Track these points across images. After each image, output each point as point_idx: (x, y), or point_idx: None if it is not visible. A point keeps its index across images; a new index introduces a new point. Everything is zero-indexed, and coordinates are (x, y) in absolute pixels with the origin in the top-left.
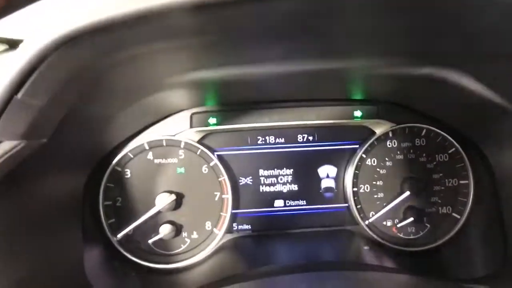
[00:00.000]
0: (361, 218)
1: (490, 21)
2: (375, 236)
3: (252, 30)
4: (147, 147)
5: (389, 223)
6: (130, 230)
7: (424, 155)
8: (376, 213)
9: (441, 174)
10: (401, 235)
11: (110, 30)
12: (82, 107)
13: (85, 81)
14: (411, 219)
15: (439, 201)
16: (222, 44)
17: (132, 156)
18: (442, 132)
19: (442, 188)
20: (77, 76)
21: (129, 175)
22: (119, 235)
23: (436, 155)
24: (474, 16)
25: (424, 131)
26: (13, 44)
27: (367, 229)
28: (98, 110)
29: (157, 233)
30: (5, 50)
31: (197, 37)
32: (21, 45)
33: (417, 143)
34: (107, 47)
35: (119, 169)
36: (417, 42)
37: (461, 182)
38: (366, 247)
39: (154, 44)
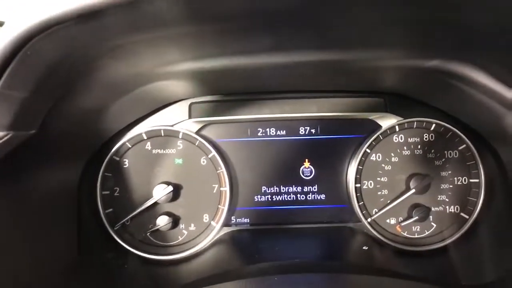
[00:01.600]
0: (363, 215)
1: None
2: (377, 235)
3: (252, 20)
4: (145, 137)
5: (392, 221)
6: (127, 220)
7: (432, 151)
8: (379, 210)
9: (449, 172)
10: (405, 234)
11: (95, 17)
12: (73, 98)
13: (71, 72)
14: (416, 217)
15: (447, 200)
16: (219, 34)
17: (130, 146)
18: (452, 128)
19: (451, 186)
20: (61, 67)
21: (127, 165)
22: (117, 226)
23: (445, 152)
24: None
25: (434, 126)
26: None
27: (369, 227)
28: (91, 101)
29: (154, 224)
30: None
31: (190, 26)
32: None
33: (426, 138)
34: (89, 36)
35: (117, 158)
36: (424, 34)
37: (472, 180)
38: (364, 247)
39: (144, 33)
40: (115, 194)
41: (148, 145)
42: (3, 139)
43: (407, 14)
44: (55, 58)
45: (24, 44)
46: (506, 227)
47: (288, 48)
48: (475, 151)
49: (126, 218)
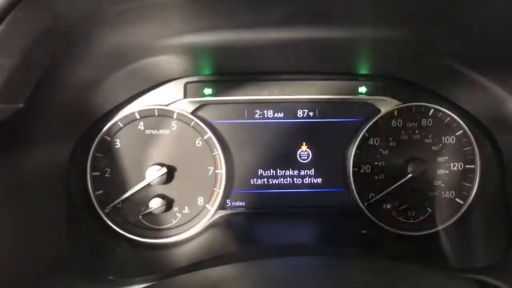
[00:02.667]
0: (360, 199)
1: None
2: (373, 219)
3: None
4: (137, 117)
5: (389, 206)
6: (118, 203)
7: (430, 136)
8: (376, 195)
9: (446, 157)
10: (401, 219)
11: None
12: (63, 70)
13: (63, 39)
14: (412, 202)
15: (443, 185)
16: (216, 3)
17: (122, 126)
18: (450, 113)
19: (447, 172)
20: (53, 33)
21: (118, 145)
22: (108, 208)
23: (443, 137)
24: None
25: (432, 111)
26: None
27: (366, 211)
28: (82, 74)
29: (147, 207)
30: None
31: None
32: None
33: (424, 123)
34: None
35: (108, 138)
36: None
37: (467, 166)
38: (363, 231)
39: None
40: (106, 175)
41: (141, 125)
42: None
43: None
44: (48, 21)
45: (13, 6)
46: (499, 213)
47: (293, 23)
48: (472, 137)
49: (118, 201)
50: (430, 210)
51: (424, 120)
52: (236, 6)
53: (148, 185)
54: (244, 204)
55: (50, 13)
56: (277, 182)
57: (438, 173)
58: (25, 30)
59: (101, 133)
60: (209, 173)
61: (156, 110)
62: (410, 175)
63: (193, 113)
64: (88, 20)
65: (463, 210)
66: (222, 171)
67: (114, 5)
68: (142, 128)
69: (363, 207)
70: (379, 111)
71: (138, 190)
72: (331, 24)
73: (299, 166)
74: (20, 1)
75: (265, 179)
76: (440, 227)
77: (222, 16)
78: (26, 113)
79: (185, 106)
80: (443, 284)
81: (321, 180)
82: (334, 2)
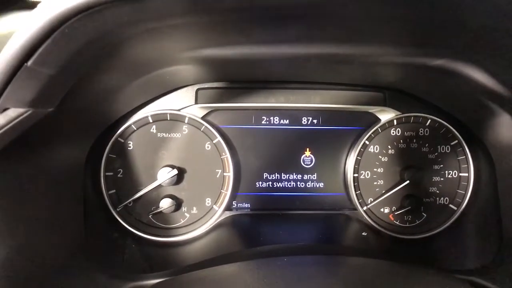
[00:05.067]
0: (360, 203)
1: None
2: (371, 222)
3: (263, 13)
4: (150, 120)
5: (386, 210)
6: (130, 202)
7: (426, 145)
8: (374, 199)
9: (441, 165)
10: (397, 223)
11: (129, 2)
12: (91, 78)
13: (99, 52)
14: (409, 207)
15: (438, 191)
16: (233, 23)
17: (135, 128)
18: (446, 124)
19: (442, 179)
20: (91, 47)
21: (131, 147)
22: (119, 207)
23: (439, 146)
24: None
25: (429, 121)
26: (31, 4)
27: (365, 215)
28: (108, 81)
29: (157, 206)
30: (22, 8)
31: (209, 15)
32: (38, 7)
33: (421, 133)
34: (124, 19)
35: (122, 140)
36: (428, 33)
37: (461, 174)
38: (364, 233)
39: (169, 19)
40: (119, 175)
41: (154, 128)
42: (23, 116)
43: (410, 14)
44: (88, 38)
45: (64, 21)
46: (490, 219)
47: (303, 41)
48: (466, 147)
49: (129, 200)
50: (425, 215)
51: (421, 130)
52: (254, 26)
53: (159, 185)
54: (249, 206)
55: (92, 31)
56: (281, 186)
57: (433, 180)
58: (68, 44)
59: (115, 135)
60: (217, 176)
61: (168, 115)
62: (407, 181)
63: (203, 118)
64: (121, 36)
65: (456, 215)
66: (229, 174)
67: (147, 23)
68: (155, 131)
69: (362, 211)
70: (379, 120)
71: (149, 190)
72: (340, 42)
73: (303, 171)
74: (68, 20)
75: (270, 182)
76: (434, 231)
77: (240, 34)
78: (53, 116)
79: (196, 111)
80: (436, 284)
81: (323, 184)
82: (345, 25)
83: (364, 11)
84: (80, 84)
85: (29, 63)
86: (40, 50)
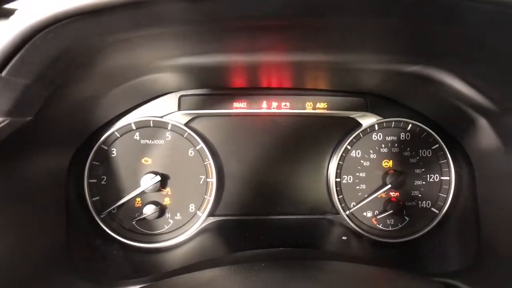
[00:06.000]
0: (342, 208)
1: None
2: (354, 226)
3: (241, 23)
4: (134, 127)
5: (369, 214)
6: (114, 209)
7: (408, 149)
8: (357, 204)
9: (423, 169)
10: (380, 227)
11: (99, 15)
12: (69, 87)
13: (73, 62)
14: (391, 211)
15: (419, 195)
16: (210, 33)
17: (118, 136)
18: (427, 128)
19: (423, 183)
20: (65, 57)
21: (115, 154)
22: (103, 213)
23: (420, 150)
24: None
25: (410, 126)
26: (5, 13)
27: (347, 219)
28: (87, 90)
29: (141, 213)
30: None
31: (185, 25)
32: (12, 17)
33: (402, 137)
34: (96, 30)
35: (105, 147)
36: (405, 43)
37: (443, 178)
38: (344, 238)
39: (142, 30)
40: (102, 182)
41: (137, 135)
42: (0, 125)
43: (389, 26)
44: (61, 49)
45: (36, 33)
46: (471, 221)
47: (281, 49)
48: (447, 151)
49: (113, 207)
50: (408, 219)
51: (402, 135)
52: (228, 36)
53: (142, 192)
54: (233, 211)
55: (65, 42)
56: (264, 191)
57: (415, 184)
58: (41, 55)
59: (98, 143)
60: (201, 182)
61: (151, 122)
62: (389, 185)
63: (186, 124)
64: (95, 46)
65: (438, 219)
66: (213, 180)
67: (120, 34)
68: (138, 138)
69: (344, 215)
70: (361, 125)
71: (133, 197)
72: (320, 50)
73: (285, 176)
74: (40, 31)
75: (254, 187)
76: (417, 235)
77: (213, 42)
78: (32, 125)
79: (179, 118)
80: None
81: (305, 189)
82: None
83: (339, 23)
84: (57, 93)
85: (3, 73)
86: (13, 60)
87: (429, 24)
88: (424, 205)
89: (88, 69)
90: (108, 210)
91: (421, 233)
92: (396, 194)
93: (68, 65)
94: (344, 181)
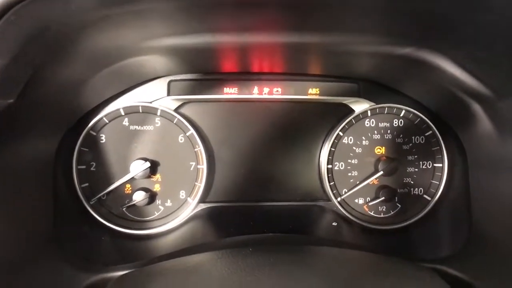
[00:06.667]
0: (334, 194)
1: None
2: (345, 213)
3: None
4: (122, 113)
5: (361, 201)
6: (103, 195)
7: (400, 136)
8: (348, 190)
9: (416, 156)
10: (372, 213)
11: None
12: (52, 69)
13: (53, 42)
14: (383, 198)
15: (412, 182)
16: (196, 10)
17: (107, 121)
18: (420, 115)
19: (416, 170)
20: (43, 36)
21: (104, 140)
22: (93, 200)
23: (413, 137)
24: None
25: (403, 112)
26: None
27: (339, 206)
28: (70, 72)
29: (131, 199)
30: None
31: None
32: None
33: (395, 123)
34: (67, 8)
35: (94, 133)
36: (396, 22)
37: (435, 165)
38: (334, 223)
39: (128, 6)
40: (91, 169)
41: (126, 121)
42: None
43: (379, 4)
44: (37, 26)
45: (8, 8)
46: (462, 208)
47: (270, 29)
48: (440, 138)
49: (102, 193)
50: (400, 205)
51: (395, 121)
52: (211, 13)
53: (132, 178)
54: (224, 198)
55: (41, 18)
56: (255, 177)
57: (408, 171)
58: (17, 33)
59: (86, 128)
60: (191, 168)
61: (140, 107)
62: (381, 172)
63: (176, 110)
64: (75, 25)
65: (430, 206)
66: (203, 167)
67: (100, 10)
68: (127, 124)
69: (336, 202)
70: (353, 111)
71: (123, 183)
72: (310, 31)
73: (277, 162)
74: (13, 6)
75: (245, 174)
76: (408, 222)
77: (199, 21)
78: (15, 109)
79: (169, 104)
80: (405, 272)
81: (297, 176)
82: (311, 14)
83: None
84: (40, 75)
85: None
86: None
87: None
88: (416, 192)
89: (70, 50)
90: (97, 197)
91: (412, 220)
92: (389, 181)
93: (48, 45)
94: (335, 168)
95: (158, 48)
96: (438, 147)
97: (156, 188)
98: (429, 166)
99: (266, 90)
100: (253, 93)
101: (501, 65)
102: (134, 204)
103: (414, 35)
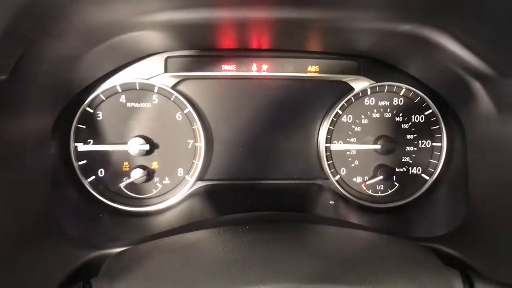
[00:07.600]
0: (332, 173)
1: None
2: (343, 192)
3: None
4: (119, 90)
5: (359, 180)
6: (101, 172)
7: (400, 114)
8: (347, 169)
9: (415, 135)
10: (370, 192)
11: None
12: (45, 44)
13: (44, 15)
14: (381, 177)
15: (410, 161)
16: None
17: (104, 98)
18: (420, 93)
19: (415, 149)
20: (34, 9)
21: (100, 117)
22: (91, 178)
23: (412, 116)
24: None
25: (403, 90)
26: None
27: (337, 184)
28: (65, 47)
29: (129, 177)
30: None
31: None
32: None
33: (395, 102)
34: None
35: (91, 110)
36: None
37: (434, 144)
38: (331, 202)
39: None
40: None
41: (123, 98)
42: None
43: None
44: None
45: None
46: (460, 187)
47: (268, 4)
48: (439, 117)
49: (100, 170)
50: (397, 184)
51: (395, 99)
52: None
53: (131, 156)
54: (222, 176)
55: None
56: (254, 155)
57: (406, 150)
58: (6, 5)
59: (83, 105)
60: (189, 146)
61: (137, 84)
62: (380, 151)
63: (173, 87)
64: None
65: (428, 185)
66: (201, 144)
67: None
68: (124, 101)
69: (334, 181)
70: (353, 89)
71: (121, 160)
72: (311, 5)
73: (275, 140)
74: None
75: (243, 152)
76: (406, 200)
77: None
78: (9, 85)
79: (166, 80)
80: (401, 251)
81: (295, 154)
82: None
83: None
84: (33, 50)
85: None
86: None
87: None
88: (415, 171)
89: (63, 24)
90: (95, 174)
91: (410, 198)
92: (387, 160)
93: (41, 18)
94: (334, 146)
95: (154, 23)
96: (438, 126)
97: (154, 165)
98: (428, 145)
99: (264, 67)
100: (252, 70)
101: (504, 43)
102: (132, 182)
103: (417, 10)
